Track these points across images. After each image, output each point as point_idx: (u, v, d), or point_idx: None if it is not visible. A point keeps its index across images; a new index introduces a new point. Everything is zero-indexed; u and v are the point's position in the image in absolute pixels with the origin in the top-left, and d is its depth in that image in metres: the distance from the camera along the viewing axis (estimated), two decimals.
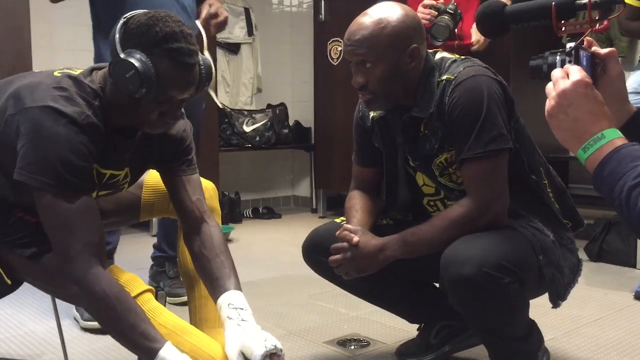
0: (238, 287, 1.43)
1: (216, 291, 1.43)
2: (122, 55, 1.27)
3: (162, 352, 1.26)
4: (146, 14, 1.30)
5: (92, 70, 1.42)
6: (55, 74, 1.38)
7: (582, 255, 1.75)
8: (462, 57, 1.64)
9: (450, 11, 2.69)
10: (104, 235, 1.37)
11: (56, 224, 1.29)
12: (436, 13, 2.69)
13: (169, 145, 1.53)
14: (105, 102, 1.37)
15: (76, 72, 1.40)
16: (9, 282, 1.41)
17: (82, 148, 1.29)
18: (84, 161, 1.30)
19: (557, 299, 1.61)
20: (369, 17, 1.55)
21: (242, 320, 1.35)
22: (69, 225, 1.28)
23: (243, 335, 1.31)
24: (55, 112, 1.27)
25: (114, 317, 1.29)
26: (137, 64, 1.25)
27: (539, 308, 1.69)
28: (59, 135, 1.26)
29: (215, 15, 2.30)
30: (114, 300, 1.28)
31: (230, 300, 1.39)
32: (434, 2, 2.71)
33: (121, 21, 1.30)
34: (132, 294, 1.38)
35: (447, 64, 1.61)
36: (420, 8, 2.70)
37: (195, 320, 1.72)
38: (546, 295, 1.61)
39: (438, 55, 1.65)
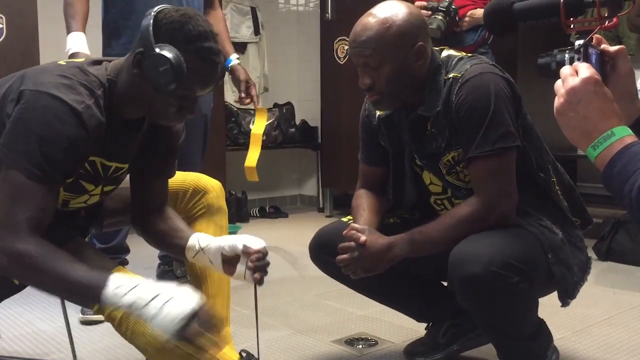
0: None
1: (185, 235, 1.53)
2: (157, 49, 1.29)
3: (105, 298, 1.21)
4: (177, 10, 1.34)
5: (100, 61, 1.44)
6: (61, 62, 1.40)
7: (591, 254, 1.75)
8: (469, 54, 1.64)
9: (443, 9, 2.62)
10: (47, 222, 1.30)
11: (8, 194, 1.25)
12: (429, 13, 2.63)
13: (167, 144, 1.56)
14: (115, 93, 1.38)
15: (81, 60, 1.42)
16: (16, 281, 1.41)
17: (66, 141, 1.28)
18: (64, 154, 1.29)
19: (566, 298, 1.60)
20: (374, 17, 1.54)
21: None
22: (21, 197, 1.25)
23: (239, 237, 1.47)
24: (52, 98, 1.28)
25: (44, 269, 1.23)
26: (172, 58, 1.28)
27: (548, 307, 1.69)
28: (47, 122, 1.26)
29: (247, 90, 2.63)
30: (42, 255, 1.23)
31: (200, 235, 1.53)
32: (425, 3, 2.65)
33: (152, 14, 1.33)
34: None
35: (453, 62, 1.60)
36: None
37: None
38: (555, 294, 1.60)
39: (444, 53, 1.64)
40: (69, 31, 2.26)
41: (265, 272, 1.46)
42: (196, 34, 1.31)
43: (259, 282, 1.45)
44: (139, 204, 1.60)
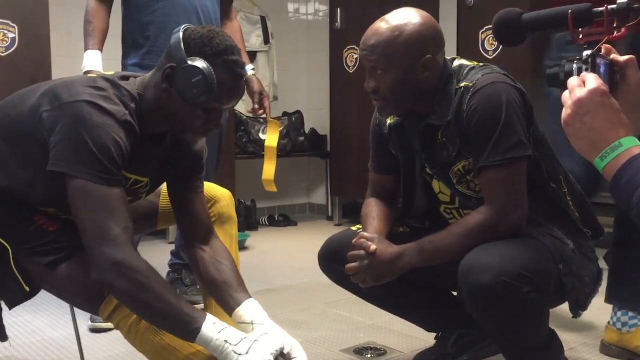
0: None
1: (240, 296, 1.48)
2: (189, 61, 1.34)
3: (204, 330, 1.27)
4: (203, 27, 1.41)
5: (128, 76, 1.47)
6: (91, 75, 1.44)
7: (600, 264, 1.73)
8: (481, 64, 1.64)
9: None
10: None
11: (95, 208, 1.29)
12: None
13: (190, 160, 1.58)
14: (142, 107, 1.42)
15: (110, 73, 1.46)
16: (27, 289, 1.42)
17: (119, 140, 1.33)
18: (120, 153, 1.33)
19: (577, 309, 1.58)
20: (386, 23, 1.55)
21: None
22: (110, 209, 1.29)
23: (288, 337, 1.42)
24: (94, 106, 1.32)
25: (153, 295, 1.27)
26: (204, 69, 1.33)
27: (558, 317, 1.68)
28: (98, 125, 1.30)
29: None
30: (155, 277, 1.29)
31: (256, 306, 1.47)
32: None
33: (180, 31, 1.38)
34: None
35: (465, 71, 1.60)
36: None
37: None
38: (566, 304, 1.59)
39: (456, 62, 1.64)
40: (85, 48, 2.29)
41: None
42: (223, 48, 1.36)
43: None
44: (186, 230, 1.60)
